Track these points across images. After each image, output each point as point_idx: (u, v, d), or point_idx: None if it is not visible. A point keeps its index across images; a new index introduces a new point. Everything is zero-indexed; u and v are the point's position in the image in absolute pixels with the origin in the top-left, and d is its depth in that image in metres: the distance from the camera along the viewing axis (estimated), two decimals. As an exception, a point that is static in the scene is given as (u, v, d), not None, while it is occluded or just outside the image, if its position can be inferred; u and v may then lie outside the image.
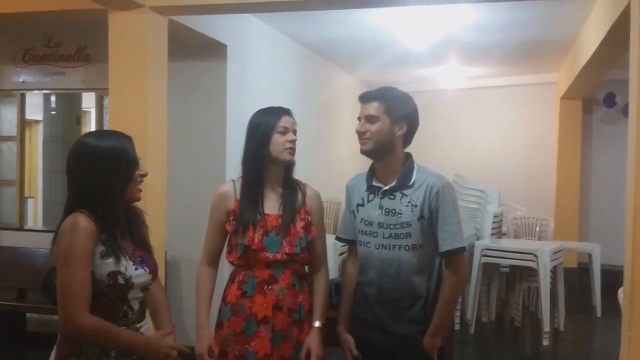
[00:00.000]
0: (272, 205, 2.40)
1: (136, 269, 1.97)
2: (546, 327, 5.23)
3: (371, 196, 2.40)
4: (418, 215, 2.30)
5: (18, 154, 5.58)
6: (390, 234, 2.33)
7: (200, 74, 4.78)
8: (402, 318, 2.34)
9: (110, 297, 1.91)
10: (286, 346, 2.35)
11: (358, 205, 2.43)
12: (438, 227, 2.30)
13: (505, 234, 6.45)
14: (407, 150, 2.44)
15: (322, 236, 2.52)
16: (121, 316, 1.94)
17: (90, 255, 1.86)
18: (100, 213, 1.90)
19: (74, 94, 5.91)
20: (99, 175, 1.91)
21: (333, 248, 4.69)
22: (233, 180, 2.48)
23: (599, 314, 6.33)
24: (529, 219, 6.65)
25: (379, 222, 2.35)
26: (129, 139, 2.01)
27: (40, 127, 6.84)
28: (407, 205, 2.31)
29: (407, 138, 2.39)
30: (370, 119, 2.33)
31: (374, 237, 2.37)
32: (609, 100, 7.93)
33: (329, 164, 7.31)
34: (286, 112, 2.42)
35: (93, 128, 6.33)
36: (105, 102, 5.23)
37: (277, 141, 2.35)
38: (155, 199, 3.62)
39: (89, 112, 7.14)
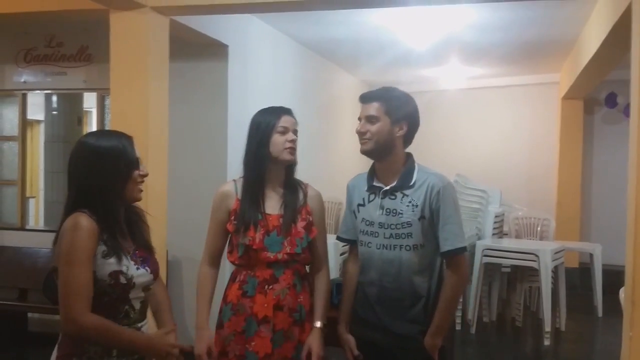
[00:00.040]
0: (273, 205, 2.41)
1: (137, 268, 1.97)
2: (547, 327, 5.23)
3: (372, 196, 2.40)
4: (419, 215, 2.30)
5: (19, 154, 5.59)
6: (391, 234, 2.33)
7: (201, 74, 4.78)
8: (403, 318, 2.34)
9: (112, 297, 1.91)
10: (288, 346, 2.35)
11: (359, 205, 2.44)
12: (439, 227, 2.30)
13: (506, 234, 6.45)
14: (408, 150, 2.44)
15: (323, 236, 2.53)
16: (123, 316, 1.95)
17: (92, 255, 1.87)
18: (100, 213, 1.90)
19: (75, 94, 5.93)
20: (98, 175, 1.91)
21: (334, 248, 4.69)
22: (234, 180, 2.48)
23: (600, 314, 6.33)
24: (531, 219, 6.65)
25: (379, 222, 2.35)
26: (129, 139, 2.01)
27: (42, 127, 6.86)
28: (408, 205, 2.31)
29: (408, 138, 2.39)
30: (370, 119, 2.33)
31: (375, 237, 2.37)
32: (611, 101, 7.93)
33: (330, 163, 7.31)
34: (286, 111, 2.42)
35: (94, 128, 6.34)
36: (107, 102, 5.23)
37: (277, 141, 2.35)
38: (156, 199, 3.62)
39: (91, 112, 7.16)
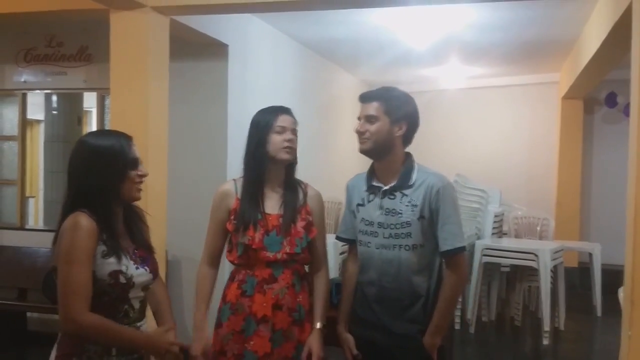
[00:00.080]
0: (273, 204, 2.41)
1: (137, 268, 1.98)
2: (546, 327, 5.23)
3: (371, 196, 2.40)
4: (418, 215, 2.30)
5: (19, 154, 5.59)
6: (391, 234, 2.33)
7: (201, 73, 4.78)
8: (402, 317, 2.34)
9: (112, 297, 1.92)
10: (288, 346, 2.35)
11: (358, 205, 2.44)
12: (438, 227, 2.30)
13: (506, 234, 6.45)
14: (408, 150, 2.44)
15: (323, 236, 2.53)
16: (122, 315, 1.95)
17: (91, 254, 1.87)
18: (99, 212, 1.91)
19: (75, 93, 5.93)
20: (94, 174, 1.92)
21: (334, 248, 4.69)
22: (234, 180, 2.48)
23: (599, 313, 6.33)
24: (530, 219, 6.65)
25: (379, 222, 2.36)
26: (128, 138, 2.02)
27: (42, 126, 6.86)
28: (407, 205, 2.32)
29: (407, 138, 2.39)
30: (369, 118, 2.34)
31: (374, 237, 2.37)
32: (611, 100, 7.93)
33: (330, 163, 7.31)
34: (285, 111, 2.42)
35: (94, 128, 6.34)
36: (107, 101, 5.23)
37: (275, 140, 2.35)
38: (156, 199, 3.63)
39: (90, 111, 7.16)
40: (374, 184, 2.40)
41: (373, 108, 2.34)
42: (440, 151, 8.28)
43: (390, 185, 2.36)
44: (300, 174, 2.52)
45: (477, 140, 8.86)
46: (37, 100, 6.03)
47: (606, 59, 5.27)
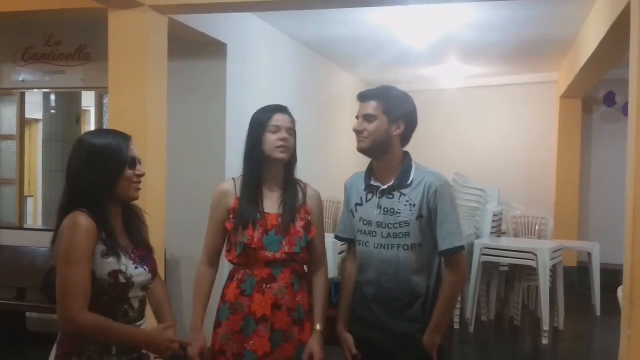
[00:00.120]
0: (272, 204, 2.40)
1: (136, 268, 1.98)
2: (546, 326, 5.23)
3: (370, 195, 2.40)
4: (416, 214, 2.30)
5: (18, 153, 5.59)
6: (389, 234, 2.33)
7: (200, 73, 4.78)
8: (402, 317, 2.34)
9: (112, 296, 1.92)
10: (288, 346, 2.35)
11: (357, 204, 2.44)
12: (437, 226, 2.30)
13: (504, 233, 6.45)
14: (406, 149, 2.44)
15: (322, 236, 2.52)
16: (122, 315, 1.95)
17: (90, 254, 1.87)
18: (96, 211, 1.90)
19: (73, 93, 5.92)
20: (90, 172, 1.92)
21: (333, 247, 4.69)
22: (233, 179, 2.48)
23: (598, 313, 6.33)
24: (529, 218, 6.65)
25: (377, 222, 2.35)
26: (126, 138, 2.01)
27: (40, 126, 6.85)
28: (405, 205, 2.31)
29: (405, 137, 2.39)
30: (368, 117, 2.33)
31: (373, 236, 2.37)
32: (609, 100, 7.93)
33: (329, 163, 7.31)
34: (280, 110, 2.41)
35: (93, 127, 6.33)
36: (105, 101, 5.23)
37: (269, 140, 2.35)
38: (154, 199, 3.62)
39: (89, 111, 7.14)
40: (372, 183, 2.40)
41: (371, 107, 2.34)
42: (439, 150, 8.28)
43: (388, 184, 2.36)
44: (299, 173, 2.52)
45: (476, 139, 8.87)
46: (35, 99, 6.02)
47: (605, 59, 5.27)
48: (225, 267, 2.53)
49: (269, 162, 2.38)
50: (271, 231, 2.35)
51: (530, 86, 8.53)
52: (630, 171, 3.01)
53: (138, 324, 2.01)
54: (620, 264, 3.20)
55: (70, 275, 1.83)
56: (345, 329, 2.46)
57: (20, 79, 5.38)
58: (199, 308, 2.43)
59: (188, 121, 4.75)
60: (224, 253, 2.48)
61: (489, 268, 5.78)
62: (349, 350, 2.44)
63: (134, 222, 2.08)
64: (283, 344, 2.34)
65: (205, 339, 2.39)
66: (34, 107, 6.12)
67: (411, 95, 2.43)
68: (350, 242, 2.53)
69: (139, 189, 2.02)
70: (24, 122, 5.69)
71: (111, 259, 1.91)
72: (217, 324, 2.41)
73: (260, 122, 2.38)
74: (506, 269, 5.97)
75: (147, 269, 2.02)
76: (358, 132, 2.36)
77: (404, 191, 2.33)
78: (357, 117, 2.38)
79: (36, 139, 7.95)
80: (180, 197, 4.49)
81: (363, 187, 2.43)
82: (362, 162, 2.50)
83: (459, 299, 5.33)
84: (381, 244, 2.35)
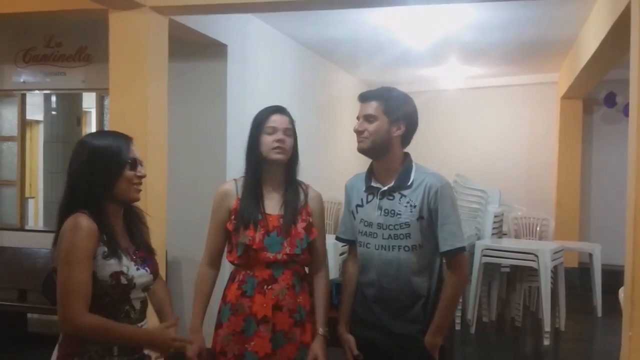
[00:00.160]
0: (273, 205, 2.41)
1: (138, 269, 1.98)
2: (547, 327, 5.23)
3: (370, 197, 2.40)
4: (417, 215, 2.30)
5: (19, 154, 5.59)
6: (390, 235, 2.33)
7: (200, 74, 4.78)
8: (403, 318, 2.34)
9: (113, 298, 1.92)
10: (290, 348, 2.35)
11: (357, 205, 2.44)
12: (438, 227, 2.30)
13: (505, 234, 6.44)
14: (407, 150, 2.44)
15: (323, 237, 2.52)
16: (123, 316, 1.95)
17: (91, 255, 1.87)
18: (98, 213, 1.90)
19: (74, 94, 5.93)
20: (91, 174, 1.92)
21: (333, 248, 4.69)
22: (235, 180, 2.48)
23: (599, 313, 6.33)
24: (530, 219, 6.65)
25: (378, 223, 2.35)
26: (127, 139, 2.01)
27: (41, 127, 6.85)
28: (406, 206, 2.31)
29: (406, 138, 2.39)
30: (368, 118, 2.34)
31: (374, 238, 2.37)
32: (610, 100, 7.93)
33: (329, 163, 7.31)
34: (277, 110, 2.41)
35: (94, 128, 6.34)
36: (106, 102, 5.23)
37: (265, 141, 2.36)
38: (155, 200, 3.62)
39: (90, 112, 7.16)
40: (373, 184, 2.40)
41: (372, 107, 2.34)
42: (440, 151, 8.28)
43: (388, 185, 2.36)
44: (300, 174, 2.52)
45: (477, 140, 8.86)
46: (36, 100, 6.03)
47: (605, 59, 5.27)
48: (226, 268, 2.53)
49: (266, 163, 2.38)
50: (272, 232, 2.35)
51: (530, 87, 8.53)
52: (631, 172, 3.01)
53: (139, 324, 2.01)
54: (621, 264, 3.20)
55: (70, 277, 1.83)
56: (346, 330, 2.46)
57: (21, 80, 5.39)
58: (199, 309, 2.43)
59: (188, 122, 4.75)
60: (225, 254, 2.49)
61: (490, 269, 5.77)
62: (350, 351, 2.44)
63: (135, 224, 2.08)
64: (285, 345, 2.34)
65: (204, 340, 2.39)
66: (35, 108, 6.12)
67: (411, 96, 2.43)
68: (351, 243, 2.53)
69: (140, 190, 2.02)
70: (24, 124, 5.69)
71: (112, 261, 1.91)
72: (218, 325, 2.41)
73: (257, 124, 2.39)
74: (507, 270, 5.96)
75: (148, 270, 2.03)
76: (358, 133, 2.36)
77: (405, 192, 2.33)
78: (357, 118, 2.39)
79: (37, 140, 7.95)
80: (181, 198, 4.49)
81: (363, 188, 2.43)
82: (363, 163, 2.50)
83: (460, 300, 5.33)
84: (382, 245, 2.35)
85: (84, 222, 1.86)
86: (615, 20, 3.82)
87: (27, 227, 5.72)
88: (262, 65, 5.47)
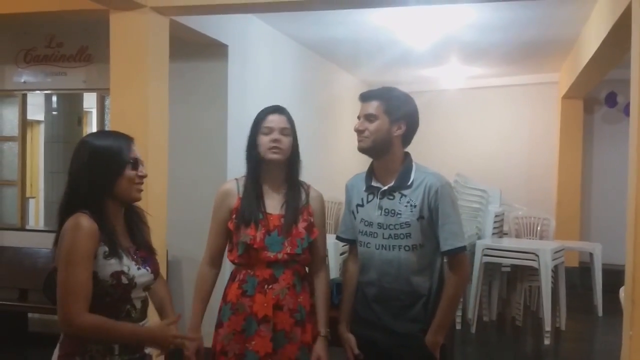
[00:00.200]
0: (274, 204, 2.41)
1: (139, 268, 1.98)
2: (547, 327, 5.23)
3: (370, 196, 2.40)
4: (417, 215, 2.30)
5: (19, 155, 5.59)
6: (390, 235, 2.33)
7: (201, 74, 4.78)
8: (404, 317, 2.35)
9: (114, 297, 1.92)
10: (291, 348, 2.35)
11: (357, 205, 2.44)
12: (438, 227, 2.31)
13: (506, 234, 6.45)
14: (408, 150, 2.44)
15: (323, 238, 2.53)
16: (124, 315, 1.96)
17: (92, 255, 1.87)
18: (97, 212, 1.91)
19: (75, 94, 5.93)
20: (91, 174, 1.92)
21: (334, 248, 4.69)
22: (236, 179, 2.49)
23: (600, 313, 6.33)
24: (530, 219, 6.65)
25: (378, 223, 2.36)
26: (128, 139, 2.02)
27: (42, 127, 6.88)
28: (406, 206, 2.32)
29: (406, 138, 2.40)
30: (369, 117, 2.34)
31: (374, 237, 2.37)
32: (611, 100, 7.93)
33: (330, 163, 7.31)
34: (274, 111, 2.42)
35: (94, 128, 6.35)
36: (107, 102, 5.23)
37: (262, 141, 2.37)
38: (156, 200, 3.62)
39: (91, 112, 7.18)
40: (373, 184, 2.40)
41: (373, 107, 2.34)
42: (441, 151, 8.28)
43: (388, 185, 2.36)
44: (301, 174, 2.52)
45: (477, 140, 8.86)
46: (37, 100, 6.03)
47: (606, 59, 5.27)
48: (226, 267, 2.53)
49: (265, 163, 2.39)
50: (273, 231, 2.35)
51: (531, 87, 8.53)
52: (632, 171, 3.01)
53: (140, 324, 2.01)
54: (622, 264, 3.19)
55: (70, 277, 1.84)
56: (347, 330, 2.47)
57: (22, 80, 5.39)
58: (198, 308, 2.45)
59: (189, 122, 4.75)
60: (225, 253, 2.49)
61: (490, 268, 5.77)
62: (350, 351, 2.44)
63: (135, 223, 2.08)
64: (286, 345, 2.34)
65: (202, 339, 2.39)
66: (36, 108, 6.13)
67: (412, 96, 2.43)
68: (351, 243, 2.54)
69: (141, 190, 2.03)
70: (25, 124, 5.69)
71: (113, 260, 1.91)
72: (219, 324, 2.41)
73: (255, 124, 2.41)
74: (508, 269, 5.96)
75: (149, 269, 2.03)
76: (359, 132, 2.36)
77: (405, 192, 2.33)
78: (358, 117, 2.39)
79: (38, 140, 7.97)
80: (181, 198, 4.49)
81: (364, 188, 2.43)
82: (363, 163, 2.51)
83: (461, 299, 5.33)
84: (382, 245, 2.35)
85: (84, 222, 1.87)
86: (616, 20, 3.82)
87: (27, 227, 5.72)
88: (262, 65, 5.47)
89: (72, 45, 5.21)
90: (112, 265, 1.91)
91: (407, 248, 2.32)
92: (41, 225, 7.11)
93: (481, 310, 5.77)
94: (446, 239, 2.30)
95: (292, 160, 2.43)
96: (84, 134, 5.11)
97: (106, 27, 3.73)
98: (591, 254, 6.49)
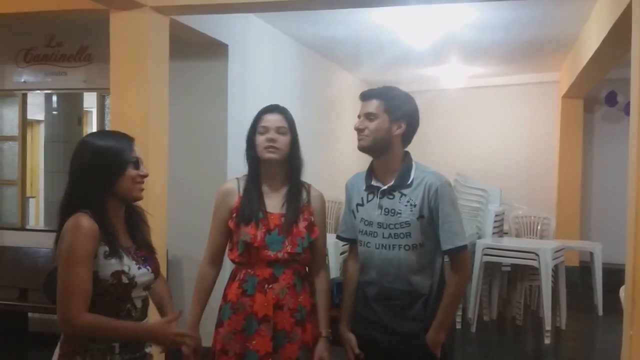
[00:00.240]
0: (275, 204, 2.41)
1: (139, 268, 1.98)
2: (548, 326, 5.23)
3: (370, 196, 2.40)
4: (417, 214, 2.30)
5: (20, 154, 5.59)
6: (390, 234, 2.33)
7: (201, 73, 4.78)
8: (404, 316, 2.34)
9: (114, 297, 1.92)
10: (292, 347, 2.35)
11: (358, 205, 2.44)
12: (439, 226, 2.31)
13: (506, 233, 6.45)
14: (408, 149, 2.44)
15: (324, 237, 2.53)
16: (125, 314, 1.96)
17: (92, 255, 1.87)
18: (98, 212, 1.91)
19: (75, 93, 5.93)
20: (93, 174, 1.92)
21: (334, 247, 4.70)
22: (237, 178, 2.49)
23: (600, 312, 6.33)
24: (531, 218, 6.65)
25: (378, 222, 2.36)
26: (130, 140, 2.02)
27: (42, 127, 6.87)
28: (406, 205, 2.32)
29: (407, 137, 2.39)
30: (369, 116, 2.34)
31: (374, 237, 2.37)
32: (611, 99, 7.93)
33: (330, 163, 7.31)
34: (269, 110, 2.42)
35: (95, 128, 6.35)
36: (107, 102, 5.23)
37: (258, 141, 2.38)
38: (156, 199, 3.62)
39: (91, 112, 7.17)
40: (373, 183, 2.40)
41: (373, 106, 2.34)
42: (441, 151, 8.28)
43: (388, 184, 2.36)
44: (302, 172, 2.52)
45: (478, 139, 8.86)
46: (37, 100, 6.03)
47: (606, 58, 5.27)
48: (227, 267, 2.53)
49: (262, 162, 2.40)
50: (274, 230, 2.35)
51: (531, 86, 8.53)
52: (632, 171, 3.01)
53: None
54: (622, 263, 3.20)
55: (70, 277, 1.84)
56: (347, 329, 2.47)
57: (22, 80, 5.39)
58: (197, 307, 2.45)
59: (189, 121, 4.75)
60: (226, 253, 2.49)
61: (490, 268, 5.77)
62: (351, 350, 2.44)
63: (136, 223, 2.09)
64: (286, 345, 2.34)
65: (200, 338, 2.39)
66: (36, 108, 6.13)
67: (412, 95, 2.43)
68: (351, 242, 2.54)
69: (143, 189, 2.03)
70: (25, 123, 5.69)
71: (114, 260, 1.91)
72: (219, 324, 2.41)
73: (252, 124, 2.43)
74: (508, 268, 5.97)
75: (149, 269, 2.03)
76: (359, 130, 2.36)
77: (405, 191, 2.33)
78: (358, 116, 2.39)
79: (38, 140, 7.97)
80: (181, 198, 4.49)
81: (364, 187, 2.43)
82: (363, 162, 2.51)
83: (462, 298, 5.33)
84: (382, 244, 2.35)
85: (85, 222, 1.87)
86: (616, 19, 3.82)
87: (28, 227, 5.72)
88: (263, 64, 5.47)
89: (72, 45, 5.21)
90: (113, 264, 1.91)
91: (407, 247, 2.32)
92: (41, 225, 7.11)
93: (481, 309, 5.77)
94: (447, 238, 2.30)
95: (291, 158, 2.42)
96: (84, 134, 5.11)
97: (106, 27, 3.73)
98: (591, 253, 6.49)
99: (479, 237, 5.70)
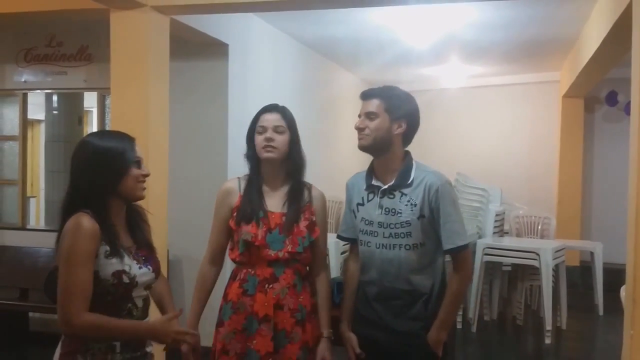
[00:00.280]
0: (276, 203, 2.41)
1: (140, 267, 1.99)
2: (548, 326, 5.23)
3: (371, 195, 2.40)
4: (418, 214, 2.30)
5: (20, 154, 5.60)
6: (391, 234, 2.33)
7: (201, 73, 4.78)
8: (405, 316, 2.34)
9: (115, 296, 1.93)
10: (293, 347, 2.35)
11: (358, 204, 2.44)
12: (440, 226, 2.31)
13: (507, 233, 6.45)
14: (408, 148, 2.44)
15: (324, 237, 2.53)
16: (125, 314, 1.96)
17: (93, 255, 1.87)
18: (99, 212, 1.91)
19: (75, 93, 5.94)
20: (94, 174, 1.92)
21: (335, 247, 4.69)
22: (239, 178, 2.49)
23: (601, 312, 6.33)
24: (531, 218, 6.65)
25: (379, 222, 2.36)
26: (131, 140, 2.02)
27: (43, 126, 6.88)
28: (406, 205, 2.32)
29: (407, 137, 2.39)
30: (369, 115, 2.34)
31: (375, 236, 2.37)
32: (611, 99, 7.92)
33: (331, 162, 7.31)
34: (267, 110, 2.43)
35: (95, 128, 6.35)
36: (107, 101, 5.24)
37: (257, 141, 2.39)
38: (157, 199, 3.62)
39: (91, 111, 7.18)
40: (373, 183, 2.40)
41: (374, 105, 2.34)
42: (441, 150, 8.28)
43: (389, 184, 2.36)
44: (303, 172, 2.52)
45: (478, 139, 8.86)
46: (37, 100, 6.04)
47: (607, 58, 5.26)
48: (227, 266, 2.53)
49: (261, 162, 2.40)
50: (274, 230, 2.35)
51: (532, 86, 8.52)
52: (633, 170, 3.01)
53: (141, 323, 2.02)
54: (622, 263, 3.19)
55: (71, 278, 1.84)
56: (348, 329, 2.47)
57: (23, 79, 5.39)
58: (196, 307, 2.45)
59: (190, 121, 4.75)
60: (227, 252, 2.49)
61: (491, 268, 5.77)
62: (352, 350, 2.44)
63: (136, 222, 2.09)
64: (287, 345, 2.34)
65: (199, 337, 2.39)
66: (36, 107, 6.13)
67: (413, 95, 2.43)
68: (352, 242, 2.54)
69: (145, 189, 2.04)
70: (26, 123, 5.70)
71: (114, 260, 1.92)
72: (219, 323, 2.41)
73: (251, 124, 2.43)
74: (509, 268, 5.96)
75: (150, 268, 2.03)
76: (359, 130, 2.36)
77: (405, 191, 2.33)
78: (359, 115, 2.39)
79: (38, 139, 7.98)
80: (182, 197, 4.49)
81: (364, 187, 2.43)
82: (364, 162, 2.51)
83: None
84: (383, 244, 2.35)
85: (85, 222, 1.87)
86: (617, 19, 3.81)
87: (28, 227, 5.73)
88: (263, 64, 5.47)
89: (72, 45, 5.21)
90: (114, 264, 1.91)
91: (407, 247, 2.32)
92: (42, 224, 7.12)
93: (482, 309, 5.77)
94: (448, 238, 2.30)
95: (291, 157, 2.42)
96: (85, 134, 5.11)
97: (106, 26, 3.73)
98: (592, 253, 6.49)
99: (480, 237, 5.69)
